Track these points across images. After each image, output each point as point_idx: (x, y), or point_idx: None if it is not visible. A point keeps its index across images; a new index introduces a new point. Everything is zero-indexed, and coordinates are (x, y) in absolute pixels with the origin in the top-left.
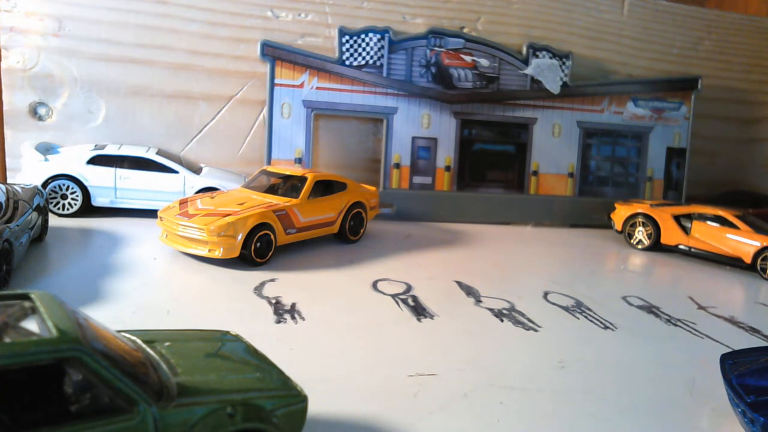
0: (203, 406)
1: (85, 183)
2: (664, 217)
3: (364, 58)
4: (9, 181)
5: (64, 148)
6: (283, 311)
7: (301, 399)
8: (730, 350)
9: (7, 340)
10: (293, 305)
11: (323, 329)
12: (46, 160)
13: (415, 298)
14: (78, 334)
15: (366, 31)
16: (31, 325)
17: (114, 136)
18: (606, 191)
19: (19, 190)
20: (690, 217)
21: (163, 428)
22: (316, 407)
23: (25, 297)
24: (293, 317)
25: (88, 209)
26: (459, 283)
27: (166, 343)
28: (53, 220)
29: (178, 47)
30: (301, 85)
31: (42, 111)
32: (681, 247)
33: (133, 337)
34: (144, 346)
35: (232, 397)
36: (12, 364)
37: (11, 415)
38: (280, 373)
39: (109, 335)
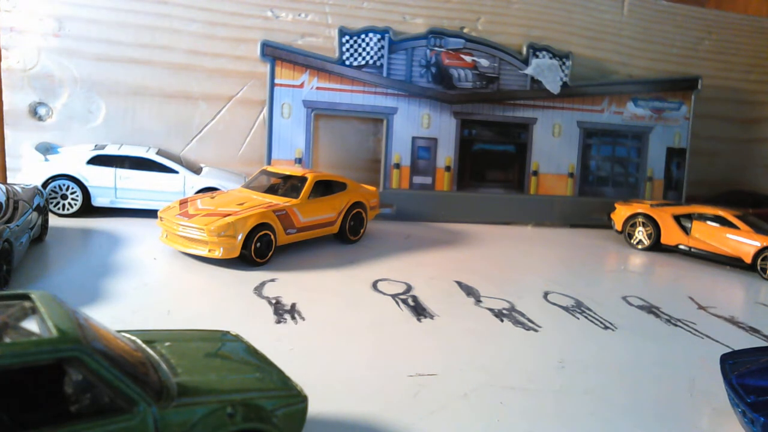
0: (203, 406)
1: (85, 183)
2: (664, 217)
3: (364, 58)
4: (9, 181)
5: (64, 148)
6: (283, 311)
7: (301, 399)
8: (730, 350)
9: (8, 340)
10: (293, 305)
11: (323, 329)
12: (46, 160)
13: (415, 298)
14: (78, 334)
15: (366, 31)
16: (31, 325)
17: (114, 136)
18: (606, 191)
19: (19, 190)
20: (690, 217)
21: (163, 428)
22: (315, 407)
23: (25, 297)
24: (293, 317)
25: (88, 209)
26: (459, 283)
27: (166, 343)
28: (53, 220)
29: (178, 47)
30: (301, 85)
31: (42, 111)
32: (681, 247)
33: (133, 337)
34: (144, 346)
35: (232, 397)
36: (12, 364)
37: (12, 415)
38: (280, 373)
39: (109, 335)
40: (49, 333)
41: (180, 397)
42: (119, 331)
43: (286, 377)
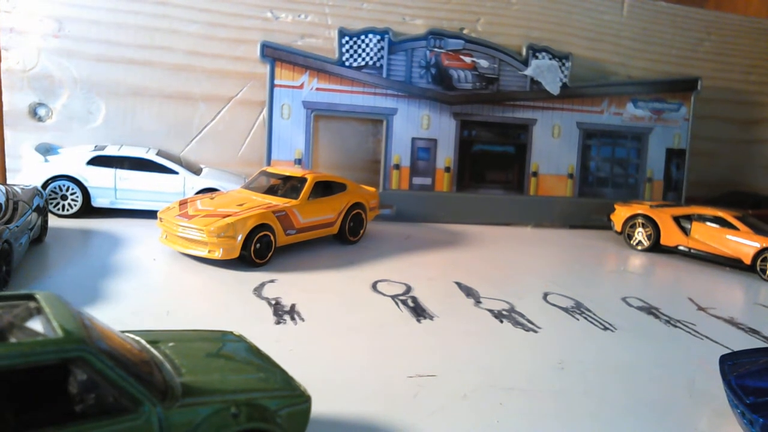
0: (207, 407)
1: (85, 184)
2: (664, 218)
3: (363, 59)
4: (9, 181)
5: (64, 149)
6: (282, 312)
7: (304, 399)
8: (729, 351)
9: (13, 340)
10: (293, 306)
11: (323, 330)
12: (46, 160)
13: (414, 299)
14: (83, 334)
15: (366, 32)
16: (36, 325)
17: (114, 136)
18: (606, 192)
19: (19, 190)
20: (690, 218)
21: (168, 428)
22: (315, 408)
23: (30, 297)
24: (293, 318)
25: (88, 210)
26: (459, 284)
27: (170, 344)
28: (53, 221)
29: (177, 48)
30: (301, 86)
31: (42, 112)
32: (681, 248)
33: (137, 338)
34: (148, 346)
35: (236, 397)
36: (17, 364)
37: (17, 414)
38: (284, 373)
39: (113, 335)
40: (54, 333)
41: (184, 397)
42: (123, 332)
43: (289, 377)
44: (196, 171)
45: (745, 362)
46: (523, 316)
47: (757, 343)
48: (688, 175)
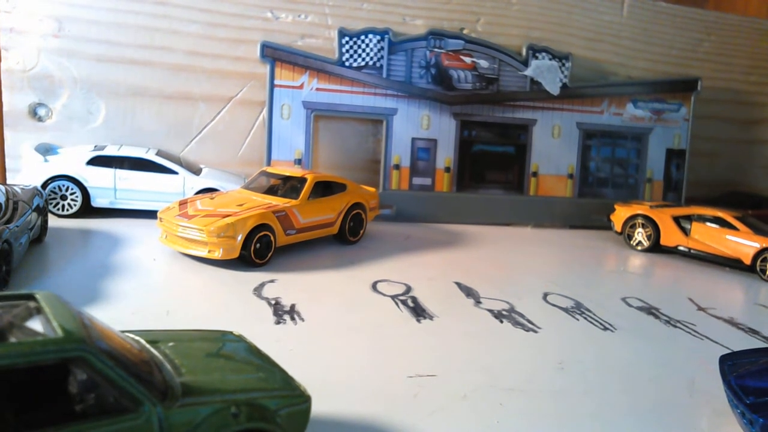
0: (207, 406)
1: (85, 184)
2: (664, 218)
3: (363, 59)
4: (9, 181)
5: (64, 149)
6: (282, 312)
7: (304, 399)
8: (729, 351)
9: (13, 340)
10: (293, 306)
11: (323, 330)
12: (46, 160)
13: (414, 299)
14: (83, 334)
15: (366, 33)
16: (36, 325)
17: (114, 136)
18: (606, 192)
19: (19, 190)
20: (689, 218)
21: (168, 428)
22: (315, 408)
23: (30, 297)
24: (293, 318)
25: (88, 210)
26: (459, 284)
27: (170, 343)
28: (53, 221)
29: (177, 48)
30: (301, 86)
31: (42, 112)
32: (680, 248)
33: (137, 337)
34: (148, 346)
35: (236, 397)
36: (17, 363)
37: (17, 414)
38: (284, 373)
39: (113, 335)
40: (54, 333)
41: (184, 397)
42: (123, 332)
43: (289, 377)
44: (196, 171)
45: (745, 362)
46: (523, 316)
47: (757, 343)
48: (688, 175)
